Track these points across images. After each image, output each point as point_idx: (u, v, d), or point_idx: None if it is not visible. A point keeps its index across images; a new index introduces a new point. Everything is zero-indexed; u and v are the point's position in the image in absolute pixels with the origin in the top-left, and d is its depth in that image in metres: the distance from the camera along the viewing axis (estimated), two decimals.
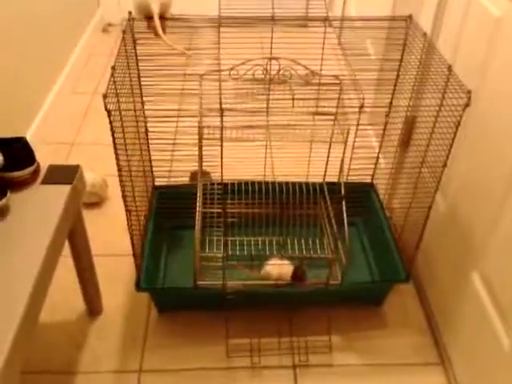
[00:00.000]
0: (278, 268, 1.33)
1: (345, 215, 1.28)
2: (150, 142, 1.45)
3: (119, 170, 1.04)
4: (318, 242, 1.54)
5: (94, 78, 2.40)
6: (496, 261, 1.08)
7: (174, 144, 1.41)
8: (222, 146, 1.25)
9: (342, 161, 1.33)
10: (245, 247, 1.51)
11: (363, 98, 1.07)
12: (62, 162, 1.92)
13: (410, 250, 1.32)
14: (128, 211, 1.13)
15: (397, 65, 1.36)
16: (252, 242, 1.53)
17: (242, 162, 1.50)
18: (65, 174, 1.12)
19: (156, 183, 1.58)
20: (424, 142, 1.28)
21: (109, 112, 0.93)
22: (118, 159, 1.02)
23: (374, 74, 1.40)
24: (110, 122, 0.96)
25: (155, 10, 1.17)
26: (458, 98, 1.03)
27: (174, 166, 1.54)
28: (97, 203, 1.73)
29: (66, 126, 2.11)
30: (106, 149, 1.69)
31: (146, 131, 1.38)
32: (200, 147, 1.30)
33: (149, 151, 1.46)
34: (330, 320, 1.40)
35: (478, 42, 1.13)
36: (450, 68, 1.07)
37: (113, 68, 0.99)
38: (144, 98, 1.34)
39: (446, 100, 1.09)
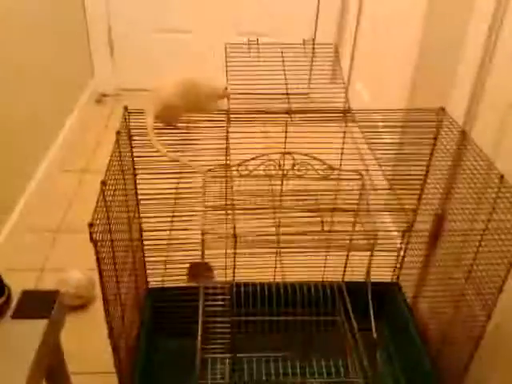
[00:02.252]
0: None
1: (374, 334, 1.08)
2: (144, 243, 1.26)
3: (105, 301, 0.85)
4: (341, 361, 1.32)
5: (85, 154, 2.25)
6: None
7: (169, 244, 1.23)
8: (235, 255, 1.07)
9: (369, 271, 1.15)
10: (254, 365, 1.29)
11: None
12: (45, 252, 1.73)
13: (451, 372, 1.12)
14: (115, 349, 0.92)
15: (426, 160, 1.20)
16: (263, 360, 1.31)
17: (250, 261, 1.31)
18: (40, 305, 0.93)
19: (150, 285, 1.38)
20: (459, 245, 1.11)
21: (95, 242, 0.75)
22: (104, 290, 0.83)
23: (399, 168, 1.25)
24: (97, 253, 0.77)
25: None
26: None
27: (170, 260, 1.36)
28: (81, 306, 1.52)
29: (53, 210, 1.92)
30: None
31: (141, 234, 1.20)
32: (203, 252, 1.12)
33: (143, 253, 1.28)
34: None
35: None
36: (502, 177, 0.91)
37: (103, 183, 0.82)
38: (140, 196, 1.17)
39: (496, 213, 0.92)
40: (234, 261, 0.93)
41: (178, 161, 0.96)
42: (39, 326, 0.89)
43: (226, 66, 1.17)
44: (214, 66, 1.61)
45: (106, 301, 0.84)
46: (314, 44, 1.20)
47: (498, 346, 1.10)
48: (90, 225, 0.74)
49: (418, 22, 1.52)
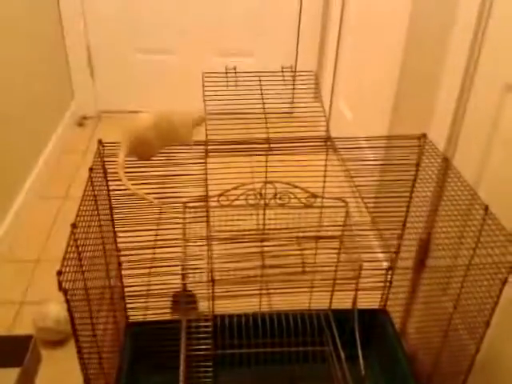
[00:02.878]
0: None
1: (362, 371, 1.05)
2: (124, 279, 1.22)
3: (79, 351, 0.81)
4: None
5: (66, 180, 2.20)
6: None
7: (150, 277, 1.19)
8: (213, 298, 1.03)
9: (355, 302, 1.12)
10: None
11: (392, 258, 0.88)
12: (25, 284, 1.68)
13: None
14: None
15: (409, 187, 1.19)
16: None
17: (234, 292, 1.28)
18: (14, 350, 0.88)
19: (131, 319, 1.34)
20: (445, 275, 1.09)
21: (65, 291, 0.72)
22: (77, 342, 0.79)
23: (382, 196, 1.23)
24: (67, 302, 0.73)
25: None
26: (501, 247, 0.84)
27: (152, 292, 1.31)
28: (60, 341, 1.47)
29: (32, 240, 1.87)
30: None
31: (120, 271, 1.16)
32: (183, 284, 1.08)
33: (122, 289, 1.24)
34: None
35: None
36: (487, 209, 0.89)
37: (73, 226, 0.78)
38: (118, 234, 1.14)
39: (482, 246, 0.90)
40: (213, 299, 0.89)
41: (145, 199, 0.92)
42: (11, 374, 0.85)
43: (204, 95, 1.15)
44: (198, 87, 1.58)
45: (79, 347, 0.80)
46: (294, 71, 1.18)
47: (488, 377, 1.07)
48: (59, 273, 0.71)
49: (399, 46, 1.51)
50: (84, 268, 0.81)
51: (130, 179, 0.93)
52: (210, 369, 1.24)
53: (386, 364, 1.34)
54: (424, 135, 1.12)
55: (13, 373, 0.85)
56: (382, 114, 1.66)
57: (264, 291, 1.32)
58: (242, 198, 1.17)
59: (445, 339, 1.05)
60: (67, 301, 0.74)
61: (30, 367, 0.89)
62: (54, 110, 2.38)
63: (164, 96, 2.67)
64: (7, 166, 1.85)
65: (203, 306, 1.29)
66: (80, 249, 0.80)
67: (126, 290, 1.24)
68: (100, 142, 1.02)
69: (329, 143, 1.12)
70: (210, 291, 0.90)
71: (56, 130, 2.35)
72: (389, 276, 1.27)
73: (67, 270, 0.73)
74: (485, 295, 0.89)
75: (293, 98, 2.34)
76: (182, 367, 1.12)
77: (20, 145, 1.97)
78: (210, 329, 1.28)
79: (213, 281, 0.85)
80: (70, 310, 0.74)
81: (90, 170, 0.93)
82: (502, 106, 1.00)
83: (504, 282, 0.84)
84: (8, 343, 0.91)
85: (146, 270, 1.12)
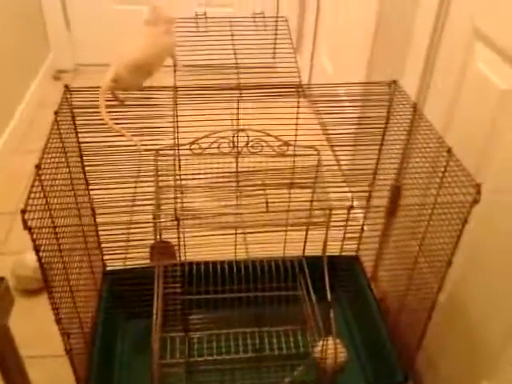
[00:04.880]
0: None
1: (332, 316, 1.09)
2: (98, 225, 1.23)
3: (48, 288, 0.83)
4: (299, 333, 1.34)
5: (43, 135, 2.17)
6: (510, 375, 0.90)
7: (128, 227, 1.20)
8: (179, 237, 1.05)
9: (325, 246, 1.15)
10: (213, 344, 1.29)
11: (352, 199, 0.90)
12: (3, 235, 1.69)
13: (407, 340, 1.14)
14: (65, 334, 0.90)
15: (380, 133, 1.19)
16: (223, 337, 1.31)
17: (210, 238, 1.29)
18: None
19: (108, 267, 1.36)
20: (413, 221, 1.12)
21: (30, 229, 0.72)
22: (46, 281, 0.80)
23: (353, 140, 1.24)
24: (33, 241, 0.74)
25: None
26: (462, 187, 0.86)
27: (129, 243, 1.33)
28: (38, 289, 1.49)
29: (10, 192, 1.87)
30: None
31: (94, 217, 1.17)
32: (156, 231, 1.09)
33: (97, 237, 1.25)
34: None
35: (477, 118, 0.97)
36: (449, 151, 0.90)
37: (38, 167, 0.78)
38: (89, 177, 1.13)
39: (443, 187, 0.92)
40: (179, 241, 0.91)
41: (122, 134, 0.93)
42: None
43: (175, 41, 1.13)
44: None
45: (48, 286, 0.82)
46: (263, 17, 1.16)
47: (451, 316, 1.12)
48: (23, 211, 0.71)
49: None
50: (51, 207, 0.82)
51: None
52: (183, 312, 1.28)
53: (356, 306, 1.39)
54: (395, 82, 1.12)
55: None
56: (359, 66, 1.65)
57: (238, 235, 1.35)
58: (214, 146, 1.17)
59: (410, 280, 1.09)
60: (33, 240, 0.75)
61: (1, 308, 0.90)
62: (30, 63, 2.32)
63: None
64: None
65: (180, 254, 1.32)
66: (47, 189, 0.80)
67: (101, 238, 1.25)
68: (66, 86, 1.00)
69: (300, 90, 1.12)
70: (180, 236, 0.91)
71: (32, 84, 2.30)
72: (352, 215, 1.29)
73: (32, 208, 0.74)
74: (447, 235, 0.92)
75: (274, 47, 2.30)
76: (155, 312, 1.15)
77: None
78: (178, 273, 1.31)
79: (178, 220, 0.86)
80: (36, 249, 0.76)
81: (55, 113, 0.92)
82: (469, 52, 1.00)
83: (464, 221, 0.87)
84: None
85: (121, 219, 1.13)
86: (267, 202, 0.88)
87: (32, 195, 0.74)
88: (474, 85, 0.99)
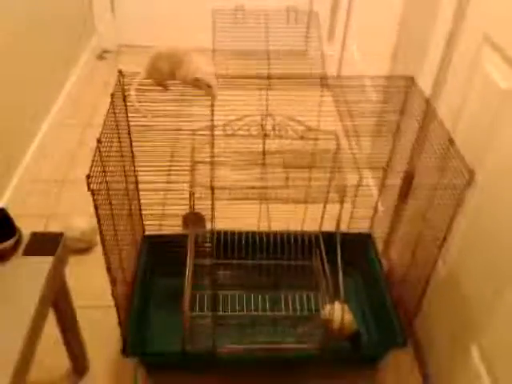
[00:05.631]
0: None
1: (340, 279, 1.23)
2: (140, 194, 1.40)
3: (103, 241, 1.00)
4: (312, 297, 1.49)
5: (87, 109, 2.36)
6: (496, 338, 1.03)
7: (165, 196, 1.36)
8: (213, 205, 1.21)
9: (339, 221, 1.29)
10: (236, 303, 1.46)
11: (360, 177, 1.03)
12: (53, 200, 1.88)
13: (409, 309, 1.28)
14: (112, 280, 1.08)
15: (395, 125, 1.32)
16: (244, 297, 1.48)
17: (237, 211, 1.45)
18: (48, 244, 1.08)
19: (147, 232, 1.53)
20: (423, 203, 1.24)
21: (93, 192, 0.89)
22: (102, 233, 0.97)
23: (371, 129, 1.36)
24: (94, 201, 0.91)
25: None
26: (459, 173, 0.99)
27: (166, 210, 1.49)
28: (85, 249, 1.68)
29: (59, 161, 2.06)
30: None
31: (137, 186, 1.34)
32: (191, 200, 1.25)
33: (139, 203, 1.42)
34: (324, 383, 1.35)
35: (481, 113, 1.09)
36: (451, 141, 1.02)
37: (98, 141, 0.95)
38: (135, 151, 1.30)
39: (446, 172, 1.05)
40: (212, 208, 1.07)
41: (145, 115, 1.07)
42: (47, 261, 1.04)
43: (213, 31, 1.28)
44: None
45: (103, 239, 0.99)
46: (296, 11, 1.29)
47: (448, 289, 1.25)
48: (88, 176, 0.88)
49: None
50: (107, 176, 0.98)
51: (141, 102, 1.08)
52: (211, 274, 1.44)
53: (366, 279, 1.53)
54: (411, 78, 1.24)
55: (48, 260, 1.05)
56: (383, 60, 1.76)
57: (262, 210, 1.50)
58: (244, 128, 1.32)
59: (414, 253, 1.22)
60: (94, 199, 0.91)
61: (61, 256, 1.08)
62: (76, 44, 2.50)
63: (179, 30, 2.76)
64: (32, 96, 2.01)
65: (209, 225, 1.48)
66: (103, 160, 0.97)
67: (142, 204, 1.42)
68: (120, 71, 1.16)
69: (323, 81, 1.25)
70: (210, 204, 1.06)
71: (78, 63, 2.49)
72: (367, 197, 1.42)
73: (94, 175, 0.90)
74: (446, 214, 1.05)
75: (307, 38, 2.41)
76: (188, 272, 1.31)
77: (44, 77, 2.11)
78: (208, 241, 1.47)
79: (212, 188, 1.01)
80: (95, 208, 0.92)
81: (112, 95, 1.08)
82: (478, 56, 1.11)
83: (459, 201, 0.99)
84: (43, 238, 1.10)
85: (161, 188, 1.29)
86: (287, 178, 1.02)
87: (94, 163, 0.90)
88: (480, 84, 1.10)
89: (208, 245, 1.44)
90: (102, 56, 2.70)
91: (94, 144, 0.96)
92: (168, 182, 1.28)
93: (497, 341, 1.03)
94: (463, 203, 1.14)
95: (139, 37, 2.76)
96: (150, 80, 1.15)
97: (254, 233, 1.54)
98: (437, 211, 1.11)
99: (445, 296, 1.27)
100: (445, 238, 1.05)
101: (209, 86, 1.07)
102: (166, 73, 1.07)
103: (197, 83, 1.08)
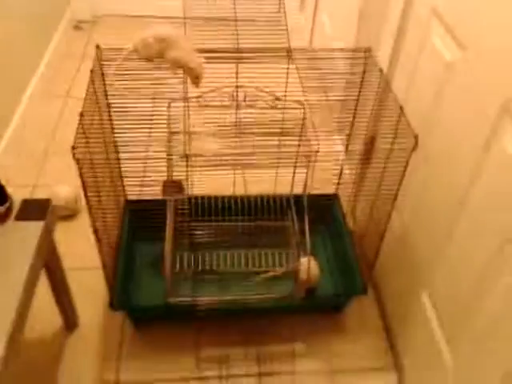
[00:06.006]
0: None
1: (307, 237, 1.36)
2: (121, 161, 1.50)
3: (89, 206, 1.10)
4: (284, 254, 1.63)
5: (67, 81, 2.41)
6: (442, 286, 1.18)
7: (145, 164, 1.46)
8: (187, 172, 1.32)
9: (305, 185, 1.41)
10: (214, 260, 1.59)
11: (318, 144, 1.14)
12: (36, 171, 1.96)
13: (369, 260, 1.42)
14: (98, 240, 1.19)
15: (356, 94, 1.43)
16: (221, 255, 1.61)
17: (213, 178, 1.56)
18: (37, 209, 1.18)
19: (128, 197, 1.64)
20: (380, 165, 1.36)
21: (77, 161, 0.99)
22: (87, 199, 1.07)
23: (337, 96, 1.47)
24: (79, 170, 1.01)
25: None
26: (409, 138, 1.11)
27: (146, 178, 1.59)
28: (70, 216, 1.78)
29: (41, 132, 2.13)
30: None
31: (118, 157, 1.43)
32: (168, 171, 1.36)
33: (120, 171, 1.52)
34: (294, 328, 1.50)
35: (429, 83, 1.20)
36: (401, 109, 1.14)
37: (81, 115, 1.04)
38: (115, 123, 1.39)
39: (398, 138, 1.17)
40: (187, 176, 1.17)
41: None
42: (37, 225, 1.15)
43: (184, 15, 1.36)
44: None
45: (88, 204, 1.09)
46: None
47: (401, 243, 1.40)
48: (73, 147, 0.97)
49: None
50: (89, 146, 1.08)
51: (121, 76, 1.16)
52: (190, 235, 1.56)
53: (333, 235, 1.67)
54: (369, 49, 1.34)
55: (39, 224, 1.15)
56: (350, 28, 1.85)
57: (238, 175, 1.61)
58: (217, 99, 1.41)
59: (373, 209, 1.35)
60: (79, 168, 1.01)
61: (50, 221, 1.18)
62: (52, 15, 2.52)
63: (156, 1, 2.79)
64: (12, 69, 2.06)
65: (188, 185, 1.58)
66: (86, 132, 1.06)
67: (122, 170, 1.52)
68: (97, 46, 1.24)
69: (289, 54, 1.34)
70: (188, 173, 1.17)
71: (54, 34, 2.51)
72: (334, 160, 1.55)
73: (78, 145, 1.00)
74: (397, 175, 1.18)
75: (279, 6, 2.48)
76: (168, 232, 1.43)
77: (21, 49, 2.15)
78: (186, 205, 1.59)
79: (186, 156, 1.12)
80: (81, 176, 1.02)
81: (91, 71, 1.16)
82: (428, 28, 1.21)
83: (406, 164, 1.12)
84: (33, 204, 1.20)
85: (141, 155, 1.38)
86: (254, 146, 1.13)
87: (77, 135, 1.00)
88: (428, 55, 1.21)
89: (186, 208, 1.55)
90: (78, 26, 2.72)
91: (74, 115, 1.05)
92: (147, 152, 1.38)
93: (441, 289, 1.18)
94: (416, 168, 1.27)
95: (116, 6, 2.78)
96: (136, 54, 1.22)
97: (229, 197, 1.65)
98: (391, 173, 1.24)
99: (400, 250, 1.42)
100: (395, 197, 1.18)
101: (197, 77, 1.16)
102: (154, 51, 1.14)
103: (188, 70, 1.17)
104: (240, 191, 1.78)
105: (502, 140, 0.92)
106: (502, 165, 0.92)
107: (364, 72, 1.38)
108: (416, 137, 1.07)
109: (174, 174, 1.42)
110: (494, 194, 0.95)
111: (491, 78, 0.96)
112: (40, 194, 1.86)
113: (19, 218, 1.16)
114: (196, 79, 1.18)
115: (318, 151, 1.14)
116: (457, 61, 1.08)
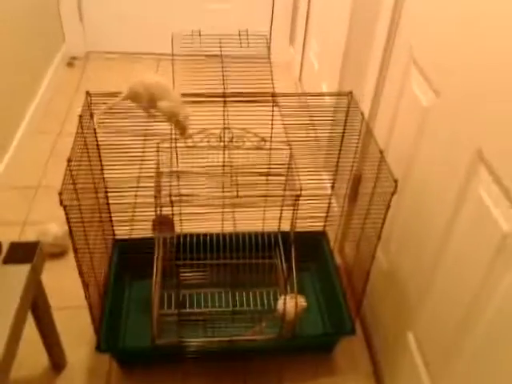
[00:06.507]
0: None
1: (294, 277, 1.38)
2: (110, 200, 1.52)
3: (75, 250, 1.12)
4: (272, 293, 1.63)
5: (60, 117, 2.44)
6: (426, 327, 1.19)
7: (135, 203, 1.48)
8: (172, 214, 1.34)
9: (292, 225, 1.43)
10: (202, 300, 1.60)
11: (301, 188, 1.17)
12: (27, 207, 1.97)
13: (358, 296, 1.43)
14: (85, 284, 1.20)
15: (340, 136, 1.47)
16: (209, 295, 1.61)
17: (203, 215, 1.58)
18: (25, 252, 1.19)
19: (117, 236, 1.65)
20: (365, 204, 1.39)
21: (65, 207, 1.01)
22: (74, 244, 1.09)
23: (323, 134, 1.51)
24: (66, 215, 1.03)
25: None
26: (390, 182, 1.14)
27: (135, 217, 1.61)
28: (59, 254, 1.79)
29: (32, 168, 2.15)
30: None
31: (107, 197, 1.45)
32: (156, 211, 1.37)
33: (109, 210, 1.53)
34: (282, 370, 1.50)
35: (408, 128, 1.24)
36: (381, 153, 1.17)
37: (68, 161, 1.06)
38: (104, 163, 1.41)
39: (379, 181, 1.20)
40: (172, 219, 1.19)
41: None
42: (25, 268, 1.16)
43: (172, 53, 1.40)
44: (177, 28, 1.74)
45: (75, 248, 1.11)
46: (247, 35, 1.41)
47: (388, 283, 1.41)
48: (60, 194, 0.99)
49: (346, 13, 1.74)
50: (78, 191, 1.10)
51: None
52: (178, 274, 1.57)
53: (321, 272, 1.68)
54: (350, 93, 1.38)
55: (26, 267, 1.16)
56: (334, 71, 1.91)
57: (227, 213, 1.63)
58: (204, 140, 1.45)
59: (359, 246, 1.37)
60: (66, 214, 1.03)
61: (37, 263, 1.19)
62: (46, 52, 2.57)
63: (146, 38, 2.87)
64: (6, 105, 2.09)
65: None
66: (74, 177, 1.08)
67: (112, 214, 1.54)
68: (87, 92, 1.27)
69: (274, 98, 1.38)
70: (176, 212, 1.19)
71: (48, 71, 2.56)
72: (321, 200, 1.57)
73: (65, 192, 1.02)
74: (380, 216, 1.20)
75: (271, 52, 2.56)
76: (155, 272, 1.44)
77: (15, 87, 2.19)
78: (174, 243, 1.60)
79: (171, 202, 1.14)
80: (68, 221, 1.04)
81: (80, 116, 1.19)
82: (407, 76, 1.25)
83: (387, 206, 1.14)
84: (21, 247, 1.21)
85: (130, 196, 1.41)
86: (237, 185, 1.16)
87: (65, 181, 1.02)
88: (407, 101, 1.25)
89: (173, 247, 1.56)
90: (71, 63, 2.78)
91: (66, 152, 1.07)
92: (136, 191, 1.40)
93: (427, 329, 1.19)
94: (401, 205, 1.30)
95: (108, 43, 2.85)
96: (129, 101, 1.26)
97: (218, 234, 1.67)
98: (375, 212, 1.26)
99: (387, 287, 1.43)
100: (379, 236, 1.20)
101: (183, 129, 1.24)
102: (145, 100, 1.18)
103: (175, 122, 1.24)
104: (229, 227, 1.79)
105: (478, 188, 0.95)
106: (476, 213, 0.95)
107: (346, 116, 1.42)
108: (396, 181, 1.10)
109: (164, 211, 1.44)
110: (471, 237, 0.97)
111: (464, 125, 0.99)
112: (30, 231, 1.87)
113: (7, 261, 1.17)
114: (182, 131, 1.22)
115: (300, 195, 1.17)
116: (432, 107, 1.12)
